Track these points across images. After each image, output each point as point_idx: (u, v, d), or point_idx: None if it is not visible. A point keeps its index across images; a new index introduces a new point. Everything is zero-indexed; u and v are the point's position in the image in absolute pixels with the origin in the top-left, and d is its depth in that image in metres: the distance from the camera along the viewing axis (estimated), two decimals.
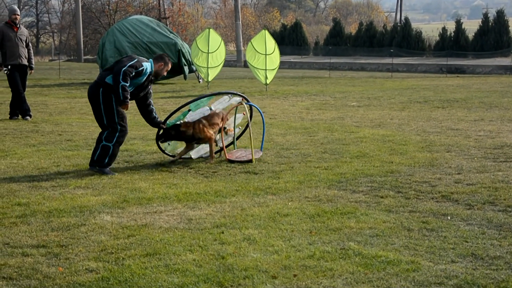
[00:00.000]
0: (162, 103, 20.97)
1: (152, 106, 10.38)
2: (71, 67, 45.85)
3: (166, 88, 27.21)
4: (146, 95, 10.17)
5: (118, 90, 9.57)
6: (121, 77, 9.53)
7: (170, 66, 10.20)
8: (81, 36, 59.12)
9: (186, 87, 27.75)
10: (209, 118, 10.61)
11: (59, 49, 67.31)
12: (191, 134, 10.39)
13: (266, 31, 26.88)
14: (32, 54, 16.35)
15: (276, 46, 26.49)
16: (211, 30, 27.78)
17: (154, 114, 10.41)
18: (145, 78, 9.87)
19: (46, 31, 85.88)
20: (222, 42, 27.57)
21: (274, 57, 26.17)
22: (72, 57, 65.70)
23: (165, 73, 10.20)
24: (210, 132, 10.44)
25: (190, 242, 6.38)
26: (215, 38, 27.14)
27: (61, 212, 7.47)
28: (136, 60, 9.74)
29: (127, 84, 9.59)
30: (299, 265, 5.73)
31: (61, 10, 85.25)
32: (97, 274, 5.54)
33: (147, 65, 9.89)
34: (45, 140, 12.80)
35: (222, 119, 10.78)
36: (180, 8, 74.33)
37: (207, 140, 10.47)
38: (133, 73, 9.64)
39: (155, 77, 10.09)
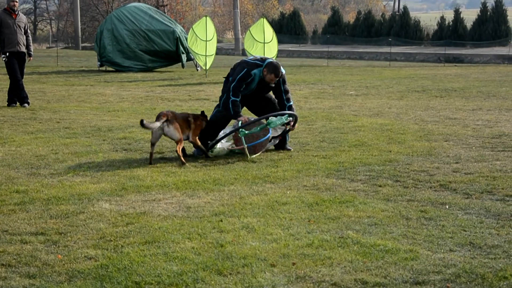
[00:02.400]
0: (160, 91, 20.95)
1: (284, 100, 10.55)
2: (68, 54, 45.78)
3: (164, 76, 27.18)
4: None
5: (228, 107, 10.23)
6: (231, 93, 10.20)
7: (273, 76, 10.19)
8: (79, 24, 58.97)
9: (184, 75, 27.72)
10: None
11: (56, 37, 67.16)
12: None
13: (265, 20, 26.86)
14: (31, 41, 16.32)
15: (274, 35, 26.47)
16: (208, 18, 27.72)
17: (285, 101, 10.54)
18: (255, 83, 10.27)
19: (44, 18, 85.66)
20: (215, 33, 27.49)
21: (272, 45, 26.16)
22: (69, 45, 65.57)
23: (271, 81, 10.23)
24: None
25: (189, 230, 6.39)
26: (210, 27, 27.08)
27: (59, 200, 7.47)
28: (245, 70, 10.17)
29: (238, 99, 10.19)
30: (298, 254, 5.74)
31: None
32: (96, 262, 5.55)
33: (256, 72, 10.22)
34: (43, 127, 12.79)
35: None
36: None
37: None
38: (241, 86, 10.19)
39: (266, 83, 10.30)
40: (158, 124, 9.59)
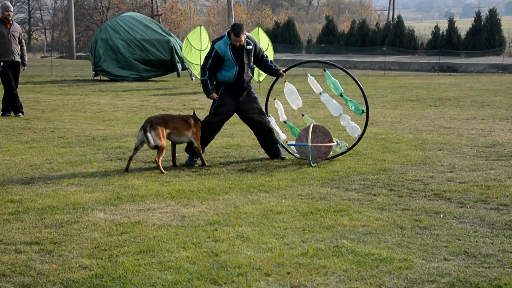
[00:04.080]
0: (154, 100, 20.95)
1: (269, 63, 10.99)
2: (63, 64, 45.74)
3: (159, 86, 27.19)
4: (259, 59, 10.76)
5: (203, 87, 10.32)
6: (201, 73, 10.36)
7: (233, 35, 10.13)
8: (74, 33, 58.95)
9: (179, 85, 27.73)
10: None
11: (51, 46, 67.12)
12: None
13: (260, 28, 26.88)
14: (25, 51, 16.32)
15: (270, 44, 26.48)
16: (202, 27, 27.74)
17: (270, 64, 11.00)
18: (227, 54, 10.17)
19: (38, 27, 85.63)
20: (210, 43, 27.48)
21: (267, 54, 26.14)
22: (64, 54, 65.52)
23: (237, 42, 10.18)
24: None
25: (183, 239, 6.39)
26: (205, 37, 27.08)
27: (54, 209, 7.46)
28: (210, 49, 10.31)
29: (206, 78, 10.22)
30: (293, 263, 5.74)
31: (53, 6, 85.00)
32: (90, 271, 5.54)
33: (220, 43, 10.23)
34: (37, 137, 12.78)
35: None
36: (172, 6, 74.25)
37: None
38: (209, 62, 10.18)
39: (237, 45, 10.23)
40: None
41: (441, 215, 7.28)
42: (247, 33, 10.46)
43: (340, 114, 11.06)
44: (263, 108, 10.88)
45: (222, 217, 7.19)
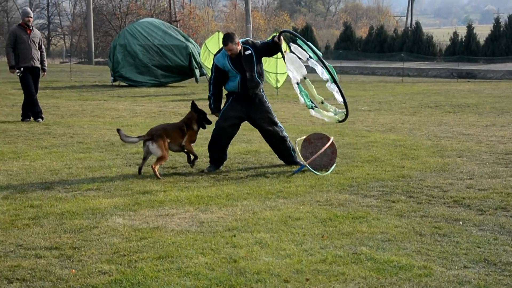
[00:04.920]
0: (172, 106, 21.02)
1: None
2: (82, 69, 45.99)
3: (177, 91, 27.27)
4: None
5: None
6: (208, 89, 10.55)
7: (224, 45, 10.14)
8: (92, 39, 59.27)
9: (196, 90, 27.79)
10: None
11: (70, 52, 67.53)
12: None
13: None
14: (45, 56, 16.42)
15: (288, 50, 26.44)
16: (220, 33, 27.79)
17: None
18: (226, 65, 10.15)
19: (57, 33, 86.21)
20: None
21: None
22: (83, 60, 65.91)
23: (229, 51, 10.14)
24: None
25: (202, 245, 6.40)
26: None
27: (73, 214, 7.50)
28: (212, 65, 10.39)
29: (210, 95, 10.44)
30: (311, 269, 5.73)
31: (72, 12, 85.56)
32: (110, 277, 5.56)
33: (218, 57, 10.29)
34: (57, 142, 12.85)
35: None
36: (190, 11, 74.54)
37: None
38: (213, 76, 10.29)
39: (235, 55, 10.21)
40: (135, 139, 10.04)
41: (461, 222, 7.24)
42: (244, 39, 10.48)
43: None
44: (275, 116, 10.68)
45: (241, 223, 7.20)
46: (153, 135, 9.87)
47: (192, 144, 10.30)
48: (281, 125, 10.70)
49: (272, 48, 10.50)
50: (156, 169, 9.66)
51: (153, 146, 9.79)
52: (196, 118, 10.39)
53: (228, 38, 10.06)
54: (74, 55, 69.00)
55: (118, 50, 29.20)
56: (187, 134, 10.26)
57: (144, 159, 10.00)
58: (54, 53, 73.87)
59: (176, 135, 10.11)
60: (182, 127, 10.22)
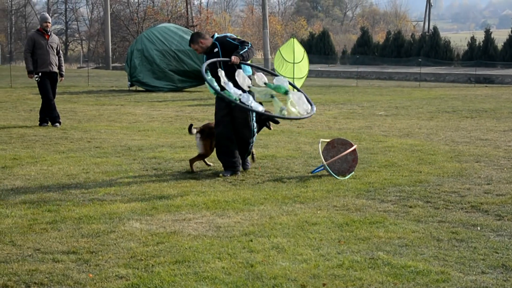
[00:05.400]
0: (189, 110, 21.06)
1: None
2: (99, 74, 46.21)
3: (193, 96, 27.33)
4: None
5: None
6: None
7: (190, 41, 10.23)
8: (110, 44, 59.53)
9: (213, 96, 27.79)
10: None
11: (87, 57, 67.85)
12: None
13: (295, 39, 26.89)
14: (63, 62, 16.50)
15: (306, 54, 26.46)
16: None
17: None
18: (204, 65, 9.96)
19: (75, 38, 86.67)
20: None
21: (302, 65, 26.13)
22: (100, 65, 66.21)
23: (195, 49, 10.24)
24: None
25: (219, 249, 6.40)
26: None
27: (91, 219, 7.52)
28: None
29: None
30: (328, 274, 5.72)
31: (89, 18, 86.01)
32: (127, 281, 5.57)
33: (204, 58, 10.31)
34: (74, 147, 12.90)
35: None
36: (207, 17, 74.74)
37: None
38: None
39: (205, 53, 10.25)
40: (194, 131, 10.56)
41: (478, 228, 7.21)
42: (222, 34, 10.38)
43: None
44: (253, 117, 10.40)
45: (257, 228, 7.20)
46: (203, 132, 10.44)
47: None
48: (255, 128, 10.45)
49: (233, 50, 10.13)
50: (192, 163, 10.36)
51: (199, 141, 10.43)
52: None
53: (190, 39, 10.21)
54: (92, 60, 69.34)
55: (135, 55, 29.30)
56: None
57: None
58: (72, 58, 74.27)
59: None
60: None
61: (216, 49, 10.17)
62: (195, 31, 53.74)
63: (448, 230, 7.12)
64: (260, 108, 9.56)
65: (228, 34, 10.44)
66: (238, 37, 10.41)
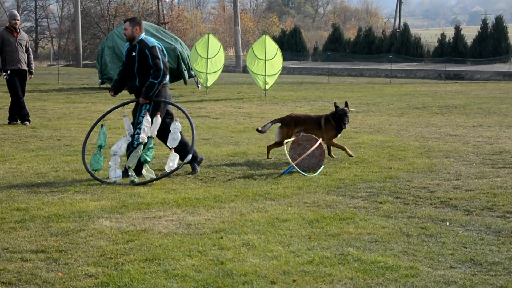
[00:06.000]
0: None
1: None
2: (70, 72, 45.89)
3: None
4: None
5: None
6: None
7: (127, 20, 10.13)
8: (80, 41, 59.14)
9: (185, 93, 27.77)
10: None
11: (58, 54, 67.31)
12: None
13: (267, 36, 26.92)
14: (32, 59, 16.37)
15: (279, 51, 26.51)
16: (210, 35, 27.87)
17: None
18: (124, 54, 10.07)
19: (45, 36, 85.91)
20: (222, 48, 27.67)
21: (274, 62, 26.18)
22: (71, 62, 65.71)
23: (124, 30, 10.04)
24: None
25: (189, 247, 6.39)
26: (214, 43, 27.22)
27: (60, 217, 7.47)
28: None
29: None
30: (298, 271, 5.73)
31: (60, 15, 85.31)
32: (96, 279, 5.54)
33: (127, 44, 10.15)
34: (44, 145, 12.80)
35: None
36: (179, 14, 74.47)
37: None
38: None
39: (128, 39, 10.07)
40: (269, 125, 11.54)
41: (447, 223, 7.27)
42: (151, 41, 9.96)
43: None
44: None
45: (228, 225, 7.19)
46: (283, 120, 11.40)
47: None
48: (138, 132, 9.94)
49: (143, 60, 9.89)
50: (269, 149, 11.33)
51: (278, 129, 11.40)
52: (332, 115, 11.31)
53: (129, 19, 10.11)
54: (62, 58, 68.79)
55: (106, 52, 29.13)
56: (326, 129, 11.20)
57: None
58: (42, 56, 73.65)
59: (310, 126, 11.24)
60: (319, 120, 11.27)
61: (134, 53, 9.89)
62: (167, 28, 53.59)
63: (418, 225, 7.16)
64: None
65: (152, 44, 9.89)
66: (158, 54, 9.82)
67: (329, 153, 11.31)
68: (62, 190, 8.90)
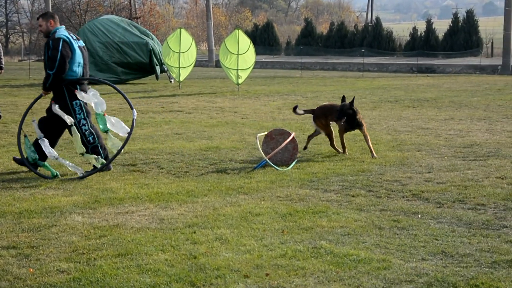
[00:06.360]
0: (133, 103, 20.83)
1: None
2: (41, 67, 45.26)
3: (137, 88, 27.12)
4: None
5: None
6: None
7: (42, 15, 10.05)
8: None
9: (157, 87, 27.67)
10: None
11: (29, 49, 66.77)
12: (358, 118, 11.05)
13: (240, 31, 26.89)
14: (2, 54, 16.24)
15: (252, 45, 26.50)
16: (182, 30, 27.80)
17: None
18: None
19: (16, 31, 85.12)
20: (194, 42, 27.61)
21: (247, 56, 26.17)
22: (42, 57, 65.13)
23: (40, 25, 9.97)
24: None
25: (162, 242, 6.37)
26: (186, 38, 27.17)
27: (31, 213, 7.42)
28: None
29: None
30: (271, 264, 5.74)
31: (30, 10, 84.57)
32: (68, 275, 5.51)
33: None
34: (15, 140, 12.67)
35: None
36: (151, 8, 74.11)
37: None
38: None
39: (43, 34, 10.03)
40: (301, 112, 11.74)
41: (419, 216, 7.31)
42: (58, 29, 9.83)
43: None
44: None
45: (201, 219, 7.18)
46: (314, 112, 11.47)
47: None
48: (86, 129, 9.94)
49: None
50: (333, 147, 11.27)
51: (315, 124, 11.45)
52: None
53: (41, 15, 10.02)
54: (33, 53, 68.19)
55: None
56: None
57: (316, 131, 11.59)
58: (13, 51, 72.96)
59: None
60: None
61: (46, 48, 9.74)
62: (139, 23, 53.37)
63: (390, 218, 7.20)
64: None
65: (58, 36, 9.69)
66: (59, 46, 9.61)
67: (343, 149, 11.25)
68: (34, 186, 8.84)
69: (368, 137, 11.00)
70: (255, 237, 6.53)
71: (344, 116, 10.83)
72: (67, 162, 9.64)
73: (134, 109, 10.08)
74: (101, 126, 9.83)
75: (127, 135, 9.72)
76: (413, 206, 7.71)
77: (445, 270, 5.59)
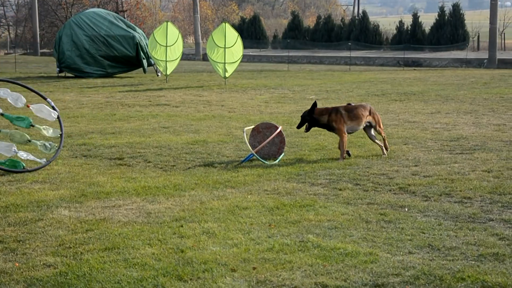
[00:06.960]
0: (120, 96, 20.82)
1: None
2: (27, 60, 45.29)
3: (124, 82, 27.04)
4: None
5: None
6: None
7: None
8: (38, 29, 58.40)
9: (144, 81, 27.59)
10: (351, 109, 10.47)
11: (15, 43, 66.40)
12: (325, 122, 10.36)
13: (227, 24, 26.84)
14: None
15: (239, 39, 26.45)
16: (169, 23, 27.73)
17: None
18: None
19: (1, 24, 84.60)
20: (180, 36, 27.54)
21: (234, 50, 26.12)
22: (28, 51, 64.84)
23: None
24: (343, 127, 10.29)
25: (149, 236, 6.36)
26: (173, 32, 27.10)
27: (18, 207, 7.39)
28: None
29: None
30: (259, 258, 5.75)
31: (16, 2, 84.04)
32: (55, 269, 5.50)
33: None
34: (1, 134, 12.60)
35: (370, 113, 10.63)
36: (137, 1, 73.79)
37: (337, 133, 10.36)
38: None
39: None
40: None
41: (406, 209, 7.33)
42: None
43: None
44: None
45: (188, 213, 7.18)
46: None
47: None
48: None
49: None
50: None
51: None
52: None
53: None
54: (19, 46, 67.81)
55: (64, 40, 28.85)
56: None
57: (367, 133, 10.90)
58: None
59: (357, 114, 10.48)
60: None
61: None
62: (125, 16, 53.21)
63: (377, 211, 7.22)
64: None
65: None
66: None
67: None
68: (20, 180, 8.81)
69: (343, 142, 10.33)
70: (242, 231, 6.53)
71: (303, 123, 10.54)
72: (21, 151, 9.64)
73: (49, 99, 10.12)
74: (23, 125, 9.89)
75: (55, 119, 9.89)
76: (400, 200, 7.73)
77: (432, 263, 5.61)
